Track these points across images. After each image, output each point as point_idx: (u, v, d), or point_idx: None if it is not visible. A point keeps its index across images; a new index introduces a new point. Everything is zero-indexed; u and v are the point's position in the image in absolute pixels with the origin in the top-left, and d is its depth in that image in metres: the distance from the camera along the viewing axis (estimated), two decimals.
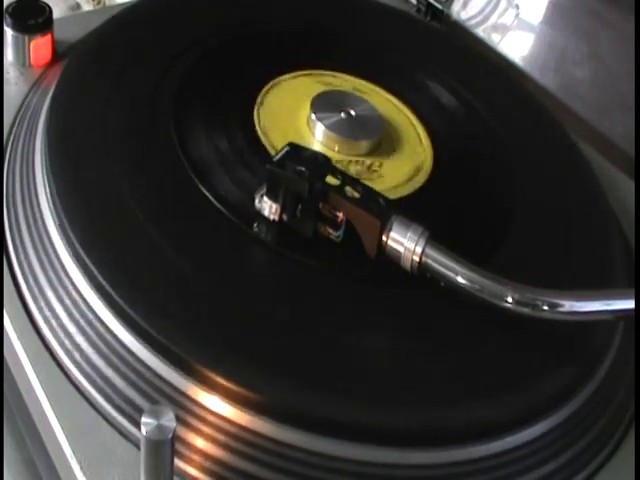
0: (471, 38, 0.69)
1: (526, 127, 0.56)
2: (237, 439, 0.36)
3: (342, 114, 0.51)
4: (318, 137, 0.50)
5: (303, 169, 0.42)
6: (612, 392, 0.43)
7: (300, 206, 0.43)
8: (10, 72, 0.54)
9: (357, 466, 0.36)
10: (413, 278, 0.41)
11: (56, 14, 0.55)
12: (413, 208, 0.45)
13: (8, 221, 0.44)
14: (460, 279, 0.40)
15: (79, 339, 0.39)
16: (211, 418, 0.36)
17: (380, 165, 0.50)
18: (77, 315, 0.40)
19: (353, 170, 0.48)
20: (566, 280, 0.45)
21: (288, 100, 0.53)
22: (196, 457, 0.36)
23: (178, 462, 0.35)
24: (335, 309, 0.41)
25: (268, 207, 0.43)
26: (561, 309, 0.38)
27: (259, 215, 0.44)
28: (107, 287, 0.39)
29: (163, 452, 0.30)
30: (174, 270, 0.40)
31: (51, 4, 0.54)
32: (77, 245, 0.40)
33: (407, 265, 0.41)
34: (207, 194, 0.44)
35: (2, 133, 0.49)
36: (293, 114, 0.51)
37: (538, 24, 0.66)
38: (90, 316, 0.39)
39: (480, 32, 0.69)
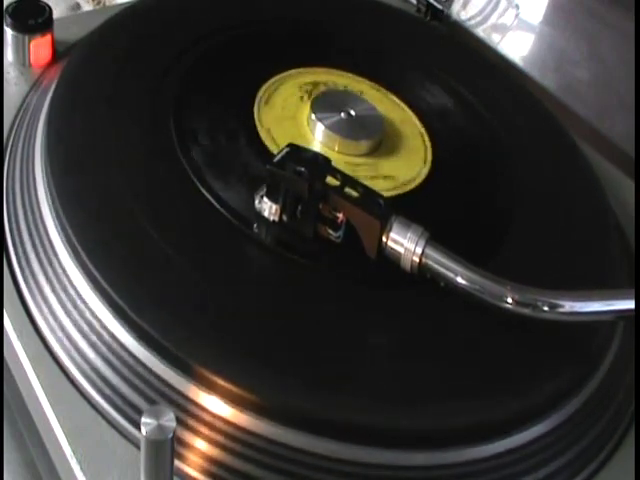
0: (471, 38, 0.69)
1: (526, 127, 0.56)
2: (237, 440, 0.36)
3: (342, 114, 0.51)
4: (318, 137, 0.50)
5: (303, 170, 0.42)
6: (612, 392, 0.43)
7: (300, 207, 0.43)
8: (10, 72, 0.54)
9: (357, 467, 0.36)
10: (413, 279, 0.41)
11: (56, 14, 0.55)
12: (413, 208, 0.45)
13: (8, 221, 0.44)
14: (460, 280, 0.40)
15: (79, 339, 0.39)
16: (211, 419, 0.36)
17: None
18: (77, 315, 0.40)
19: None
20: (566, 280, 0.45)
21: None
22: (195, 458, 0.36)
23: (178, 463, 0.35)
24: (335, 310, 0.41)
25: (268, 208, 0.43)
26: (561, 309, 0.38)
27: (259, 216, 0.44)
28: (106, 287, 0.39)
29: (163, 452, 0.30)
30: (174, 270, 0.40)
31: (51, 4, 0.54)
32: (77, 245, 0.40)
33: (407, 266, 0.41)
34: (206, 194, 0.44)
35: (2, 133, 0.49)
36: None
37: (538, 24, 0.66)
38: (90, 316, 0.39)
39: (480, 32, 0.69)
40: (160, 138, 0.47)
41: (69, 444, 0.36)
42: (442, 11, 0.69)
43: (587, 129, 0.61)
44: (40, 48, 0.54)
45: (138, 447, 0.35)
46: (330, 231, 0.43)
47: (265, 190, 0.43)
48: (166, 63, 0.52)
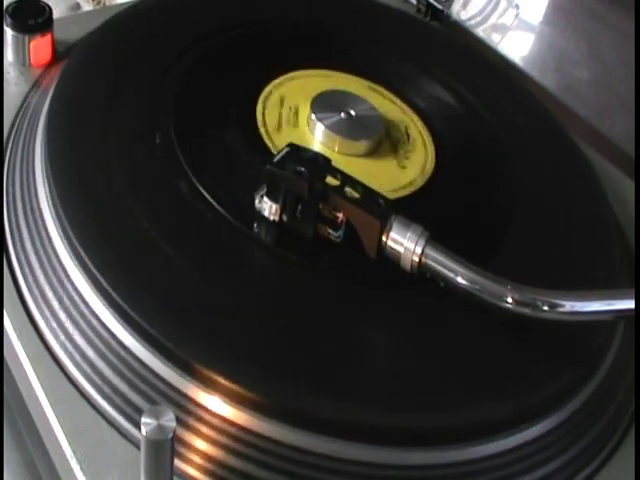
0: (471, 38, 0.69)
1: (526, 127, 0.56)
2: (237, 440, 0.36)
3: (342, 114, 0.51)
4: (318, 137, 0.50)
5: (303, 170, 0.42)
6: (612, 392, 0.43)
7: (300, 207, 0.43)
8: (10, 72, 0.54)
9: (357, 467, 0.36)
10: (413, 279, 0.41)
11: (56, 14, 0.55)
12: (414, 208, 0.45)
13: (8, 221, 0.44)
14: (460, 279, 0.40)
15: (79, 339, 0.39)
16: (211, 419, 0.36)
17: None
18: (77, 315, 0.40)
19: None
20: (566, 280, 0.45)
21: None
22: (196, 458, 0.36)
23: (178, 462, 0.35)
24: (335, 310, 0.41)
25: (268, 208, 0.43)
26: (561, 309, 0.38)
27: (259, 216, 0.44)
28: (107, 287, 0.39)
29: (163, 452, 0.30)
30: (174, 270, 0.40)
31: (51, 4, 0.54)
32: (77, 245, 0.40)
33: (407, 265, 0.41)
34: (206, 195, 0.44)
35: (2, 133, 0.49)
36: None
37: (538, 24, 0.66)
38: (90, 316, 0.39)
39: (480, 32, 0.69)
40: (160, 138, 0.47)
41: (69, 444, 0.36)
42: (442, 11, 0.69)
43: (587, 129, 0.61)
44: (40, 48, 0.54)
45: (138, 447, 0.35)
46: (330, 231, 0.43)
47: (265, 190, 0.43)
48: (166, 63, 0.52)
